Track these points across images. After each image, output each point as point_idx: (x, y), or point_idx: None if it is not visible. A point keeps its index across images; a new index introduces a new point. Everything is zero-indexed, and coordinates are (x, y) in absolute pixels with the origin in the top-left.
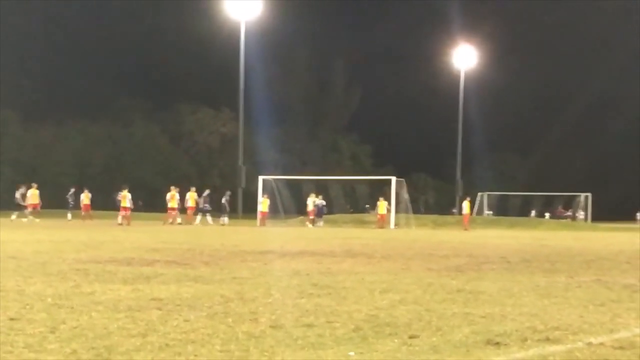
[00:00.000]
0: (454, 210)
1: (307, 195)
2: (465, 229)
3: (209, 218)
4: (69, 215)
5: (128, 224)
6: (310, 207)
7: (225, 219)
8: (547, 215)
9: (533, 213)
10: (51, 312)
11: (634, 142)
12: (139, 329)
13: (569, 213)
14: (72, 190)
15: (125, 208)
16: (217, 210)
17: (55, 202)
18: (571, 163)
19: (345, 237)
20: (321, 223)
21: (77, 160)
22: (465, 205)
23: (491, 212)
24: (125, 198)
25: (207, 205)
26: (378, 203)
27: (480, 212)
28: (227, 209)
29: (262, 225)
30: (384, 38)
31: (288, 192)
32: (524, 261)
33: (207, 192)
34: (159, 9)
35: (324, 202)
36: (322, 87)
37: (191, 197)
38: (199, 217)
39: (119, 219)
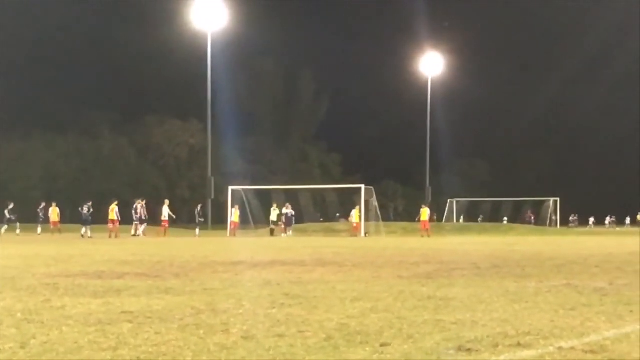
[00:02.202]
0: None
1: (283, 206)
2: (422, 236)
3: (142, 229)
4: (39, 229)
5: (117, 236)
6: (278, 217)
7: (197, 231)
8: (505, 220)
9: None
10: (21, 327)
11: (602, 146)
12: (109, 342)
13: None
14: (43, 204)
15: (113, 221)
16: (190, 222)
17: (24, 217)
18: (539, 167)
19: (315, 246)
20: (290, 232)
21: (45, 174)
22: (423, 212)
23: (481, 218)
24: (113, 211)
25: (139, 216)
26: (353, 212)
27: (449, 218)
28: (200, 220)
29: (233, 236)
30: (351, 47)
31: (258, 202)
32: (494, 267)
33: (142, 203)
34: (125, 21)
35: (292, 212)
36: (290, 96)
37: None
38: (135, 229)
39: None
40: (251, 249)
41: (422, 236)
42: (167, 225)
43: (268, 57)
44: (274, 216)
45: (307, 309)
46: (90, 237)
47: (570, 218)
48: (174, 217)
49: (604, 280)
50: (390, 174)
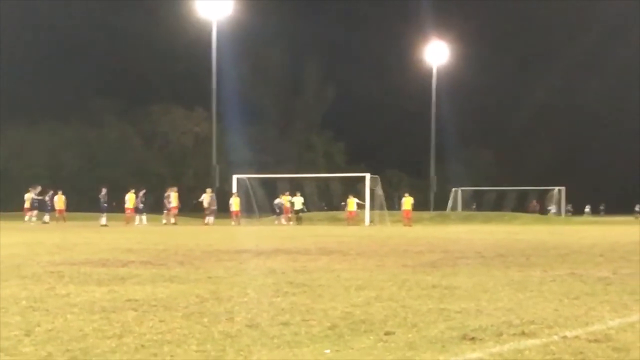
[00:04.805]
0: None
1: (281, 194)
2: (405, 225)
3: (143, 218)
4: (47, 217)
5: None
6: (289, 205)
7: (211, 219)
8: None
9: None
10: (26, 315)
11: (609, 135)
12: (114, 330)
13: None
14: (51, 192)
15: (130, 209)
16: (195, 210)
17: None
18: (545, 156)
19: (320, 234)
20: (283, 221)
21: (50, 162)
22: (405, 201)
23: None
24: (131, 200)
25: (141, 205)
26: (348, 200)
27: (455, 207)
28: (213, 208)
29: (237, 224)
30: (356, 36)
31: (262, 191)
32: (498, 256)
33: (142, 192)
34: (130, 9)
35: (282, 202)
36: (295, 85)
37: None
38: (137, 218)
39: (138, 220)
40: (255, 238)
41: (405, 225)
42: (207, 213)
43: (273, 46)
44: (298, 205)
45: (311, 297)
46: (106, 225)
47: (568, 207)
48: (214, 207)
49: (608, 269)
50: (395, 163)
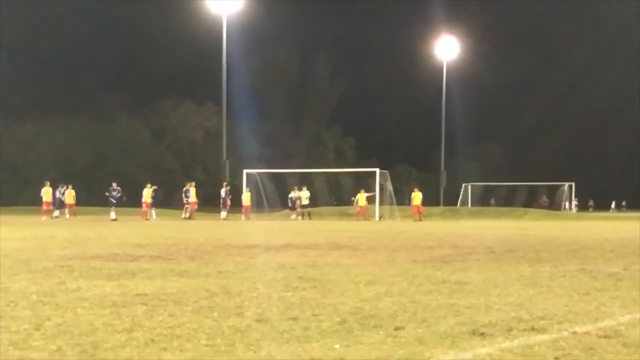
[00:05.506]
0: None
1: (292, 189)
2: (415, 220)
3: (153, 212)
4: (57, 212)
5: (147, 219)
6: (301, 200)
7: (224, 214)
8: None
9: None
10: (36, 309)
11: (619, 131)
12: (124, 324)
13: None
14: (64, 187)
15: (147, 204)
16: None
17: (39, 200)
18: (554, 152)
19: (330, 229)
20: (294, 216)
21: (60, 157)
22: (414, 196)
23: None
24: (148, 194)
25: (151, 199)
26: (358, 195)
27: (465, 202)
28: (229, 203)
29: (247, 219)
30: (366, 31)
31: (272, 186)
32: (509, 251)
33: (153, 187)
34: (140, 4)
35: (295, 195)
36: (305, 80)
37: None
38: (148, 212)
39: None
40: (265, 233)
41: (415, 220)
42: (228, 206)
43: (283, 40)
44: (305, 199)
45: (321, 292)
46: (115, 220)
47: (575, 203)
48: (229, 202)
49: (619, 265)
50: (405, 158)
